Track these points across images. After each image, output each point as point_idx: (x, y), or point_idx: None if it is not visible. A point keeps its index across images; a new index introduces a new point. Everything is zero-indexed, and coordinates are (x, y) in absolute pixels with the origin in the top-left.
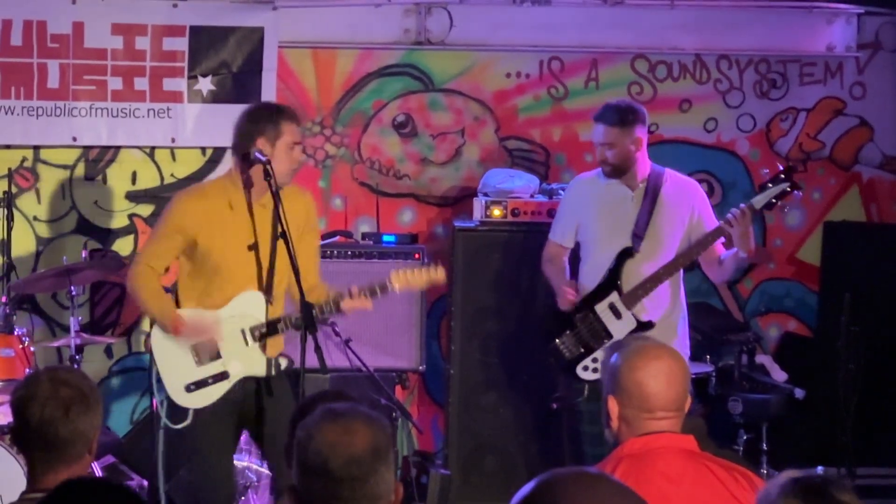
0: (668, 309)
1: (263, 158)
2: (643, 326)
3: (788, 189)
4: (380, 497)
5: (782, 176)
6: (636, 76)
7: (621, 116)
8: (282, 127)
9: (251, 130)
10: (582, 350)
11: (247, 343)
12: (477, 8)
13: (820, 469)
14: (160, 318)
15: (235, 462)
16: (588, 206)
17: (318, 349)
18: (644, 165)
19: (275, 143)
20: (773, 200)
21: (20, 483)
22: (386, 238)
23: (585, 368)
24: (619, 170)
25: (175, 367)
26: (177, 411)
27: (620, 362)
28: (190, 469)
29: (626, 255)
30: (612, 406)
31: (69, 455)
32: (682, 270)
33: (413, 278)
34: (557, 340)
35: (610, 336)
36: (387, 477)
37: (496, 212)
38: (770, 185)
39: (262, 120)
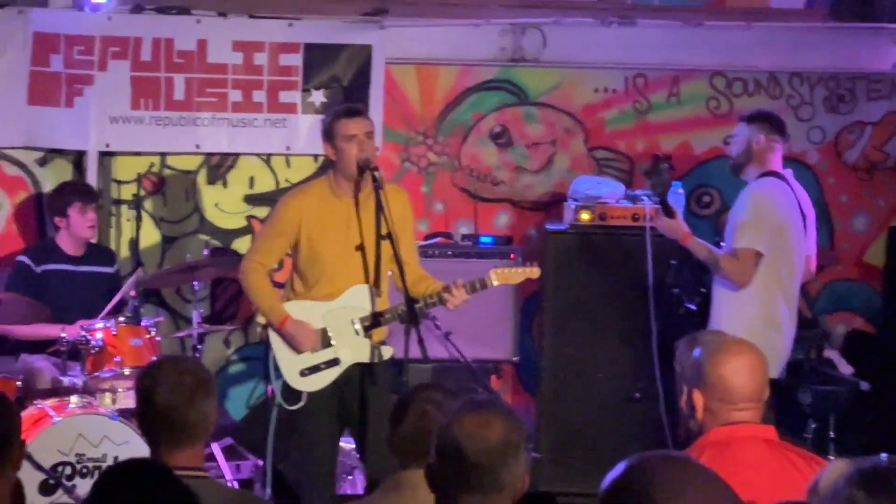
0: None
1: (372, 166)
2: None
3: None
4: (505, 486)
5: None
6: (714, 92)
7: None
8: (336, 126)
9: (323, 136)
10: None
11: (356, 333)
12: (568, 28)
13: (883, 456)
14: (267, 312)
15: (343, 444)
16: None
17: (420, 341)
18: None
19: (335, 142)
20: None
21: None
22: (483, 239)
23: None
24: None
25: (291, 353)
26: (291, 394)
27: (704, 358)
28: (298, 446)
29: None
30: (697, 399)
31: (191, 437)
32: None
33: (511, 275)
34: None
35: None
36: (514, 469)
37: (585, 216)
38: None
39: (326, 125)
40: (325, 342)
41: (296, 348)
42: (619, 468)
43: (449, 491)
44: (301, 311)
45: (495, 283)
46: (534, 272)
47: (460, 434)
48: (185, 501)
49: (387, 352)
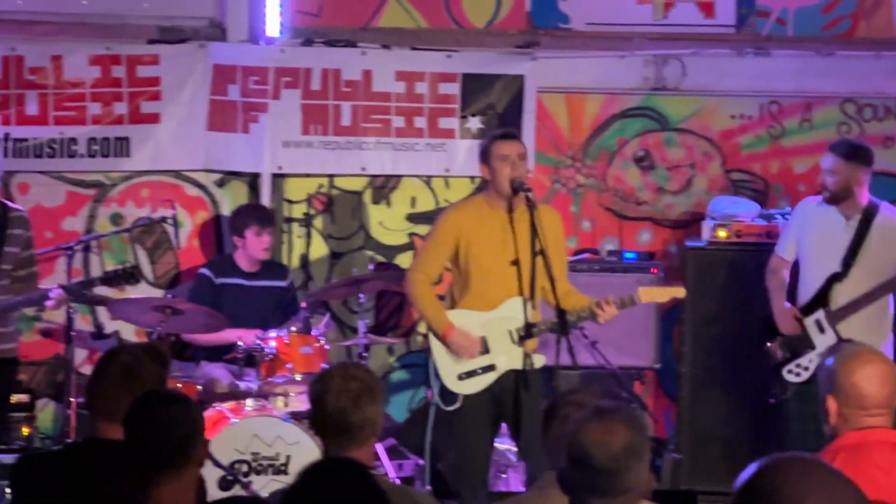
0: (871, 330)
1: (525, 188)
2: (843, 343)
3: None
4: (631, 489)
5: None
6: (845, 117)
7: (850, 152)
8: (491, 148)
9: (480, 156)
10: (788, 355)
11: (512, 341)
12: (706, 59)
13: None
14: (432, 321)
15: (497, 445)
16: (807, 225)
17: (570, 349)
18: (862, 198)
19: (491, 162)
20: None
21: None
22: (627, 255)
23: (790, 372)
24: (835, 197)
25: (450, 357)
26: (448, 396)
27: (837, 366)
28: (455, 446)
29: (834, 278)
30: (831, 405)
31: (358, 438)
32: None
33: (658, 294)
34: (769, 343)
35: (813, 347)
36: (638, 472)
37: (722, 233)
38: None
39: (483, 147)
40: (483, 349)
41: (458, 356)
42: (752, 468)
43: (579, 494)
44: (461, 319)
45: (643, 300)
46: (680, 292)
47: (586, 441)
48: (378, 498)
49: (539, 360)
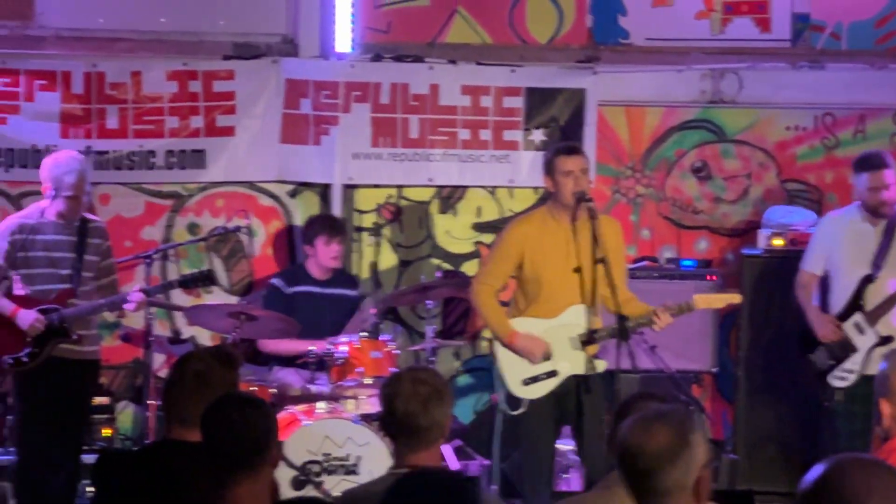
0: None
1: (587, 198)
2: (884, 341)
3: None
4: (671, 491)
5: None
6: None
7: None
8: (555, 162)
9: (544, 170)
10: (832, 362)
11: (574, 348)
12: (762, 72)
13: None
14: (497, 329)
15: (559, 446)
16: (836, 239)
17: (630, 354)
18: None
19: (554, 176)
20: None
21: (387, 461)
22: (685, 263)
23: (836, 378)
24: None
25: (514, 364)
26: (513, 401)
27: (891, 372)
28: (521, 448)
29: (867, 280)
30: (885, 408)
31: (426, 440)
32: None
33: (713, 300)
34: (811, 355)
35: (855, 349)
36: (675, 474)
37: (777, 241)
38: None
39: (547, 160)
40: (547, 355)
41: (528, 359)
42: (817, 470)
43: (630, 492)
44: (524, 327)
45: (699, 307)
46: (735, 298)
47: (624, 443)
48: None
49: (600, 365)
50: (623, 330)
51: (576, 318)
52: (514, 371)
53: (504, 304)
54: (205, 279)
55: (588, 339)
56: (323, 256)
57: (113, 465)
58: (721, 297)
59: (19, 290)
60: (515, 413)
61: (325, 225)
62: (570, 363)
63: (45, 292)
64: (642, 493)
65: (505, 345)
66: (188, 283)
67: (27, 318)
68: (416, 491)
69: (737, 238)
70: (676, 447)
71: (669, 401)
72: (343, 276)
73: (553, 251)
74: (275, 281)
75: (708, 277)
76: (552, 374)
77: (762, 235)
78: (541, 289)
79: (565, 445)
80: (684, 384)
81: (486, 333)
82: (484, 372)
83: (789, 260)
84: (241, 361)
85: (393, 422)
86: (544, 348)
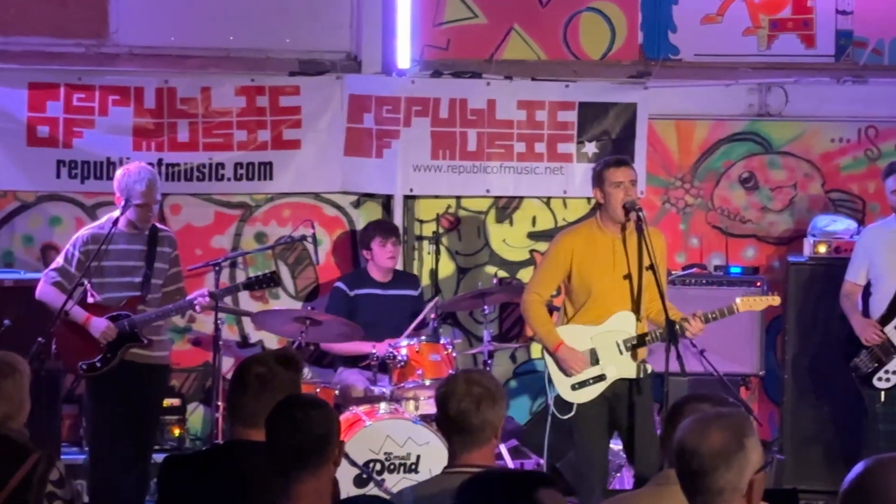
0: None
1: (637, 208)
2: None
3: None
4: (724, 490)
5: None
6: None
7: None
8: (605, 174)
9: (593, 182)
10: (876, 365)
11: (620, 352)
12: (807, 87)
13: None
14: (544, 338)
15: (612, 446)
16: (878, 248)
17: (679, 357)
18: None
19: (604, 187)
20: None
21: (445, 460)
22: (733, 270)
23: (879, 379)
24: None
25: (563, 370)
26: (564, 405)
27: None
28: (574, 450)
29: None
30: None
31: (479, 439)
32: None
33: (755, 302)
34: (856, 359)
35: None
36: (729, 475)
37: (822, 249)
38: None
39: (596, 173)
40: (594, 360)
41: (566, 372)
42: (858, 468)
43: (684, 492)
44: (572, 334)
45: (741, 309)
46: (775, 300)
47: (681, 444)
48: None
49: (648, 368)
50: (672, 333)
51: (623, 324)
52: (563, 376)
53: (556, 308)
54: (269, 280)
55: (637, 343)
56: (379, 258)
57: (177, 468)
58: (762, 300)
59: (91, 298)
60: (565, 417)
61: (379, 227)
62: (618, 367)
63: (116, 300)
64: (696, 492)
65: (549, 353)
66: (253, 285)
67: (99, 325)
68: (484, 491)
69: (783, 246)
70: (731, 449)
71: (720, 403)
72: (403, 277)
73: (601, 260)
74: (339, 284)
75: (755, 284)
76: (600, 378)
77: (807, 243)
78: (589, 296)
79: (617, 445)
80: (732, 387)
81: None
82: (538, 374)
83: (833, 266)
84: (303, 363)
85: (447, 421)
86: (583, 363)
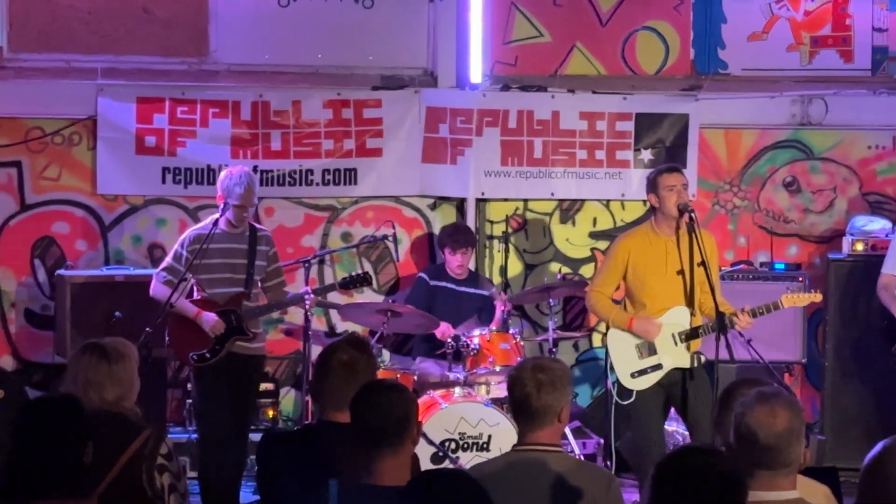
0: None
1: (689, 209)
2: None
3: None
4: (791, 463)
5: None
6: None
7: None
8: (659, 180)
9: (648, 187)
10: None
11: (676, 344)
12: (846, 98)
13: None
14: (616, 320)
15: (666, 427)
16: None
17: (728, 346)
18: None
19: (658, 192)
20: None
21: (514, 439)
22: (777, 266)
23: None
24: None
25: (623, 359)
26: (624, 391)
27: None
28: (633, 433)
29: None
30: None
31: (541, 421)
32: None
33: (798, 299)
34: (894, 347)
35: None
36: (797, 449)
37: (859, 247)
38: None
39: (650, 179)
40: (651, 351)
41: (647, 338)
42: (878, 447)
43: (745, 467)
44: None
45: (786, 305)
46: (817, 297)
47: (752, 422)
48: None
49: (701, 357)
50: (721, 324)
51: (678, 318)
52: (623, 365)
53: (617, 302)
54: (362, 280)
55: (691, 335)
56: (450, 264)
57: (274, 445)
58: (805, 297)
59: (197, 294)
60: (625, 403)
61: (451, 238)
62: (673, 357)
63: (221, 295)
64: (767, 466)
65: (626, 329)
66: (349, 285)
67: (210, 320)
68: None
69: (823, 244)
70: (799, 425)
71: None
72: (477, 278)
73: (656, 259)
74: (422, 274)
75: (797, 279)
76: (657, 367)
77: (846, 242)
78: (644, 293)
79: (671, 426)
80: (777, 373)
81: (600, 328)
82: (599, 362)
83: (870, 263)
84: (370, 342)
85: (513, 404)
86: (658, 327)
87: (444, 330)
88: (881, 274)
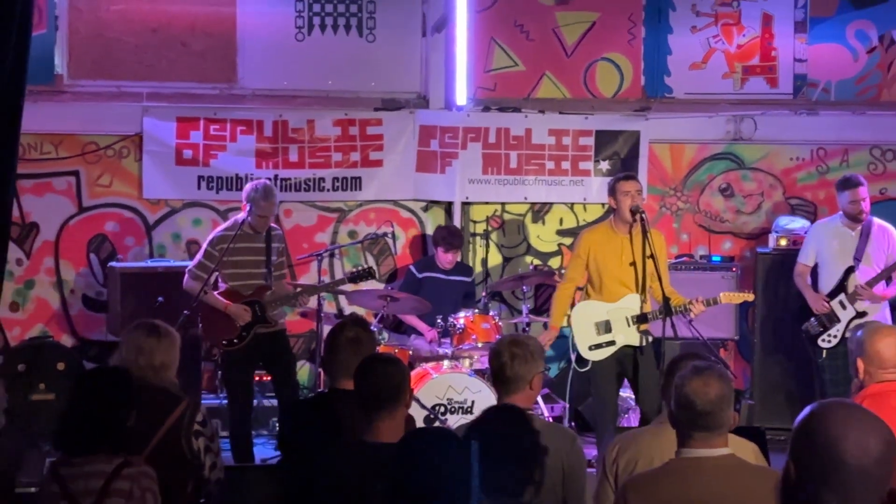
0: (873, 303)
1: (641, 211)
2: (859, 315)
3: None
4: (723, 425)
5: None
6: (873, 158)
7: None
8: (617, 186)
9: (608, 192)
10: (821, 329)
11: (628, 325)
12: (772, 117)
13: None
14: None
15: (621, 394)
16: (825, 239)
17: (672, 325)
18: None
19: (616, 196)
20: None
21: (493, 403)
22: (714, 259)
23: (823, 340)
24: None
25: (583, 334)
26: (582, 362)
27: (865, 337)
28: (593, 399)
29: (850, 271)
30: (860, 365)
31: (514, 388)
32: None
33: (734, 297)
34: (806, 323)
35: (839, 320)
36: (728, 413)
37: (783, 242)
38: None
39: (610, 185)
40: (608, 329)
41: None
42: (806, 411)
43: (684, 429)
44: (592, 308)
45: (723, 301)
46: (749, 297)
47: (689, 392)
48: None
49: (649, 337)
50: (668, 309)
51: (630, 304)
52: (583, 339)
53: (580, 288)
54: (367, 274)
55: (641, 318)
56: (441, 260)
57: (294, 409)
58: (739, 296)
59: (221, 285)
60: (583, 370)
61: (444, 239)
62: (625, 336)
63: (245, 287)
64: (703, 428)
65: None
66: (356, 279)
67: (237, 310)
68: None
69: (753, 240)
70: (729, 393)
71: (706, 360)
72: (462, 267)
73: (613, 252)
74: (411, 267)
75: (731, 269)
76: (611, 343)
77: (772, 238)
78: (602, 281)
79: (624, 393)
80: (713, 348)
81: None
82: (565, 339)
83: (792, 256)
84: (369, 320)
85: (492, 373)
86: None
87: (431, 336)
88: (797, 263)
